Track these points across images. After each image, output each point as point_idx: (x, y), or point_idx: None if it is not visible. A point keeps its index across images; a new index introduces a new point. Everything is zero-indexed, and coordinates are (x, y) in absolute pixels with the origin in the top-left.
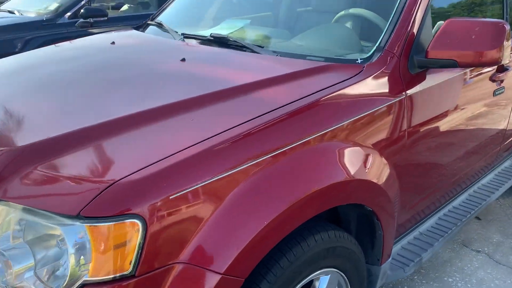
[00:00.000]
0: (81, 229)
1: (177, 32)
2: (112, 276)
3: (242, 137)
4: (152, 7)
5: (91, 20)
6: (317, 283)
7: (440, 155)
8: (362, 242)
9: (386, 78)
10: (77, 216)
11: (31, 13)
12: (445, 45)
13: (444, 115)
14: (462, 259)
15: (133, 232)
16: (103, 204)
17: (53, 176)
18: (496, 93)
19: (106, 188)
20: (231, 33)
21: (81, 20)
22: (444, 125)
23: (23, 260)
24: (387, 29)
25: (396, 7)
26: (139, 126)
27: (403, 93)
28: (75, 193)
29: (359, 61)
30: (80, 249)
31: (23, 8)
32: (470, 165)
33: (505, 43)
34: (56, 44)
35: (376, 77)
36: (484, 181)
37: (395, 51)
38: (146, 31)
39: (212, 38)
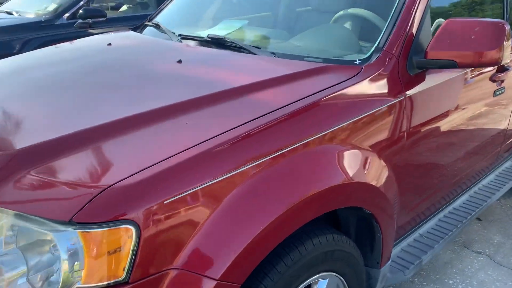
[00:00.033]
0: (74, 235)
1: (174, 33)
2: (106, 282)
3: (238, 139)
4: (151, 8)
5: (90, 20)
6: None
7: (440, 156)
8: (361, 245)
9: (385, 79)
10: (70, 222)
11: (30, 14)
12: (444, 45)
13: (443, 116)
14: (462, 261)
15: (126, 238)
16: (96, 210)
17: (46, 181)
18: (497, 93)
19: (99, 193)
20: (229, 33)
21: (80, 20)
22: (443, 126)
23: (15, 267)
24: (385, 29)
25: (395, 7)
26: (133, 130)
27: (402, 94)
28: (67, 198)
29: (357, 62)
30: (73, 255)
31: (21, 9)
32: (471, 166)
33: (505, 43)
34: (52, 46)
35: (375, 78)
36: (485, 182)
37: (393, 51)
38: (143, 32)
39: (209, 39)
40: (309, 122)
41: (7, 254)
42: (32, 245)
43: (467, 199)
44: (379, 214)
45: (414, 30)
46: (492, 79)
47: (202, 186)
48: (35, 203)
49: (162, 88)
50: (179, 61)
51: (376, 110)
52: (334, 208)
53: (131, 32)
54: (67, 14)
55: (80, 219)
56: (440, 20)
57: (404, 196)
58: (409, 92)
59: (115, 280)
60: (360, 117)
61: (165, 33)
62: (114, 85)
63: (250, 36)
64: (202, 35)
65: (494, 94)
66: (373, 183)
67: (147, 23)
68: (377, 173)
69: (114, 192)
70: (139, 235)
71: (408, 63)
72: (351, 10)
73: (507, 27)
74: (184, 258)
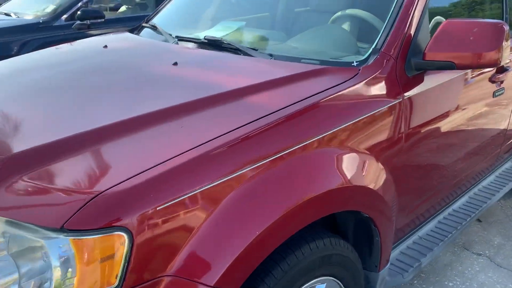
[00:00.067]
0: (65, 242)
1: (171, 35)
2: None
3: (234, 143)
4: (149, 9)
5: (88, 22)
6: None
7: (439, 157)
8: (359, 248)
9: (383, 81)
10: (61, 229)
11: (28, 15)
12: (443, 46)
13: (442, 117)
14: (462, 263)
15: (119, 244)
16: (87, 217)
17: (38, 187)
18: (496, 94)
19: (91, 200)
20: (226, 35)
21: (78, 22)
22: (442, 127)
23: (7, 273)
24: (383, 30)
25: (393, 7)
26: (126, 134)
27: (400, 96)
28: (59, 204)
29: (355, 63)
30: (65, 262)
31: (19, 11)
32: (470, 167)
33: (504, 43)
34: (49, 48)
35: (372, 80)
36: (485, 183)
37: (391, 53)
38: (140, 34)
39: (206, 41)
40: (307, 125)
41: None
42: (24, 252)
43: (467, 201)
44: (377, 217)
45: (412, 31)
46: (491, 80)
47: (196, 192)
48: (26, 210)
49: (158, 91)
50: (175, 64)
51: (374, 112)
52: (332, 212)
53: (128, 34)
54: (65, 16)
55: (72, 226)
56: (438, 17)
57: (403, 198)
58: (407, 94)
59: None
60: (357, 119)
61: (162, 34)
62: (109, 88)
63: (247, 37)
64: (199, 37)
65: (494, 95)
66: (371, 186)
67: (144, 24)
68: (375, 176)
69: (106, 199)
70: (131, 241)
71: (406, 64)
72: (348, 11)
73: (506, 27)
74: (178, 265)
